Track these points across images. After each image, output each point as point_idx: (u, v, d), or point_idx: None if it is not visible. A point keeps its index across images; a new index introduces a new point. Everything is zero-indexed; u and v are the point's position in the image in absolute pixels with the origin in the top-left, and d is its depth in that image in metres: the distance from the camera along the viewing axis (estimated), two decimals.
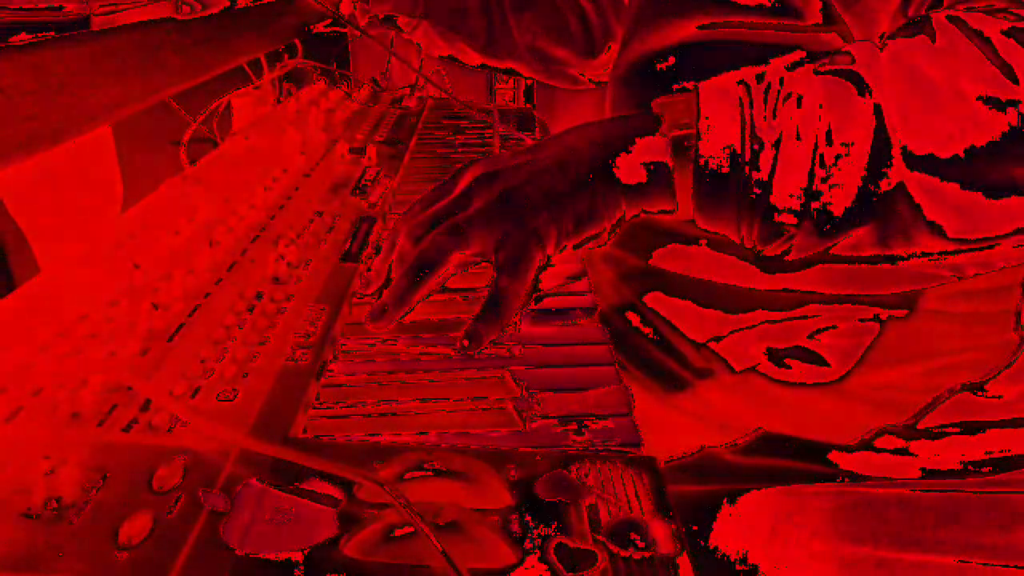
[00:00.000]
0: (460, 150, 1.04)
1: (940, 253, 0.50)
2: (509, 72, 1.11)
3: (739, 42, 0.63)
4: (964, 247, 0.49)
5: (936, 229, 0.48)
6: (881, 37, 0.54)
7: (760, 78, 0.50)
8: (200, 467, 0.41)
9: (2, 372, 0.48)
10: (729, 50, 0.64)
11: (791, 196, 0.48)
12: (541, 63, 1.05)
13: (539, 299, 0.61)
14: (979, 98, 0.45)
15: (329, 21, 1.07)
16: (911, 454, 0.68)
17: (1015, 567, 0.63)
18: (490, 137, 1.08)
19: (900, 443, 0.67)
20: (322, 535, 0.37)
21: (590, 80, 1.07)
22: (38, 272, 0.63)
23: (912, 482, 0.68)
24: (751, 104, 0.49)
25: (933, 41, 0.48)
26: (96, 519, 0.38)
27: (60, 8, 0.65)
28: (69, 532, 0.37)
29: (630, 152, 0.52)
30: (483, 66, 1.10)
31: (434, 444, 0.45)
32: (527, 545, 0.37)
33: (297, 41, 1.17)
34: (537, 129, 1.12)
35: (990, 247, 0.49)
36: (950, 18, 0.48)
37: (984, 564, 0.63)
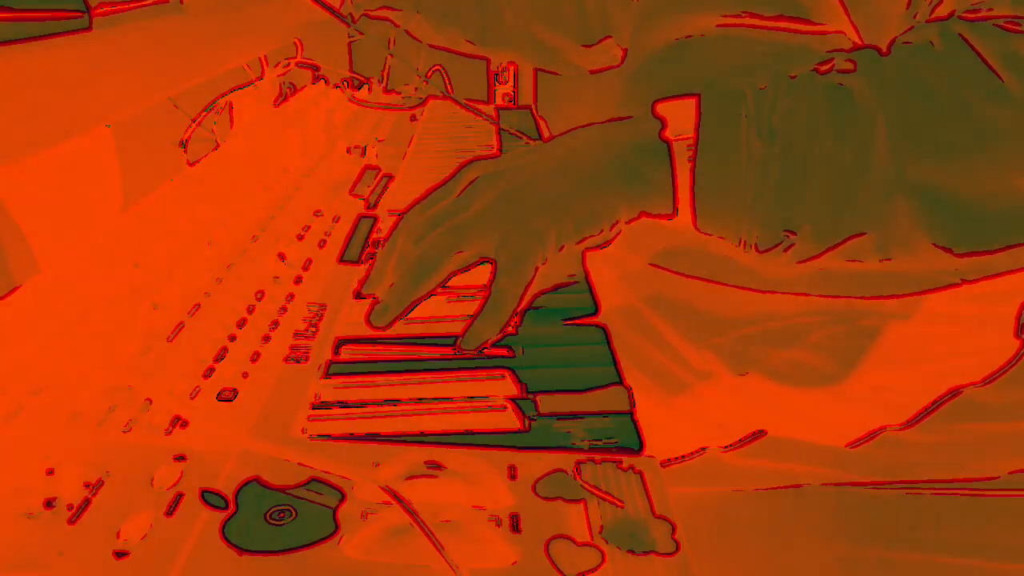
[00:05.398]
0: (460, 150, 1.04)
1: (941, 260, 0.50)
2: (506, 56, 1.09)
3: (747, 40, 0.63)
4: (964, 255, 0.49)
5: (936, 237, 0.47)
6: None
7: (762, 83, 0.50)
8: (200, 467, 0.41)
9: (2, 372, 0.48)
10: (736, 48, 0.64)
11: (791, 202, 0.48)
12: (536, 50, 1.04)
13: (539, 299, 0.61)
14: (980, 106, 0.45)
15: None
16: (911, 454, 0.68)
17: (1016, 567, 0.63)
18: (490, 137, 1.08)
19: (900, 444, 0.67)
20: (322, 535, 0.37)
21: (590, 68, 1.06)
22: (38, 272, 0.63)
23: (912, 482, 0.68)
24: (752, 109, 0.49)
25: (935, 48, 0.48)
26: (96, 519, 0.38)
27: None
28: (69, 532, 0.37)
29: (631, 155, 0.52)
30: (480, 52, 1.08)
31: (434, 444, 0.45)
32: (527, 545, 0.37)
33: (297, 41, 1.17)
34: (537, 129, 1.12)
35: (991, 254, 0.49)
36: (952, 25, 0.48)
37: (985, 564, 0.63)
